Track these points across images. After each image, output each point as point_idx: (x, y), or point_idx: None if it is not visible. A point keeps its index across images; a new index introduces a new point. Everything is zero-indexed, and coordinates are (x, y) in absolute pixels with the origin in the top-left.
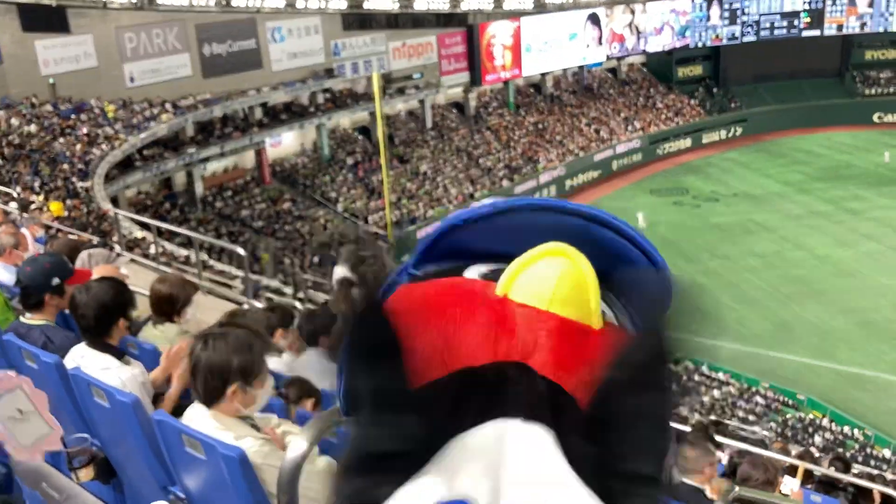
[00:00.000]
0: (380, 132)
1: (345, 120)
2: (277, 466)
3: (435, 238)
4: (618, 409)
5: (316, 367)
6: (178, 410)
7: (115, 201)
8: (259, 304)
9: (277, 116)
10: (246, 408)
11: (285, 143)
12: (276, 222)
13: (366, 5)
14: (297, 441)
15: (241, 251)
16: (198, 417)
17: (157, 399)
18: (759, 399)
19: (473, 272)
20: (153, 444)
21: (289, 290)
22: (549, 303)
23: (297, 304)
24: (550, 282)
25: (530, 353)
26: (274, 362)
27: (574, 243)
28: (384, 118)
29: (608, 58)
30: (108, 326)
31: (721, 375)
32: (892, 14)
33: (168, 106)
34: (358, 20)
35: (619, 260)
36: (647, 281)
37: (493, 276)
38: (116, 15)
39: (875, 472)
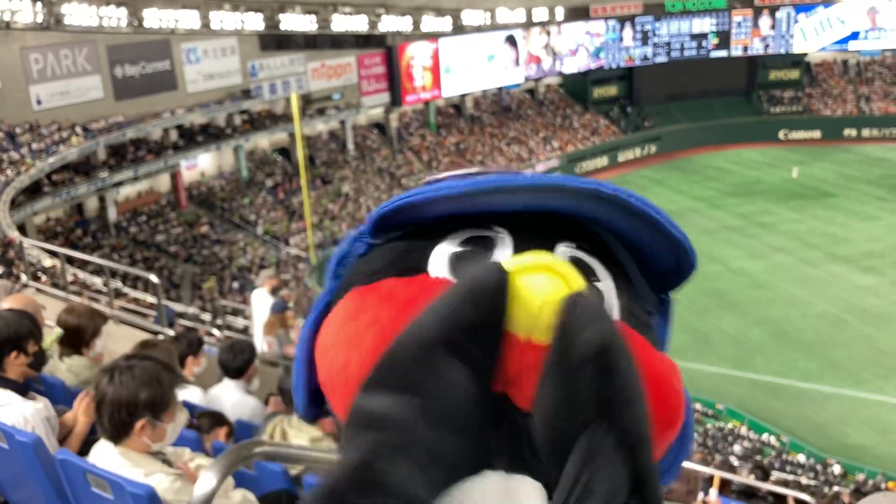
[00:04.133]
0: (300, 153)
1: (263, 141)
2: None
3: (393, 209)
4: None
5: (232, 399)
6: (87, 447)
7: (22, 229)
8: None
9: (193, 138)
10: (155, 443)
11: (202, 165)
12: (193, 247)
13: (283, 26)
14: (206, 475)
15: (154, 278)
16: (104, 455)
17: (68, 437)
18: None
19: (441, 257)
20: (56, 485)
21: (207, 316)
22: (530, 331)
23: (215, 331)
24: (532, 309)
25: (511, 384)
26: (189, 393)
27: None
28: (304, 139)
29: (526, 79)
30: None
31: None
32: (792, 36)
33: (78, 129)
34: (275, 41)
35: (622, 231)
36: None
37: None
38: (21, 35)
39: (790, 477)
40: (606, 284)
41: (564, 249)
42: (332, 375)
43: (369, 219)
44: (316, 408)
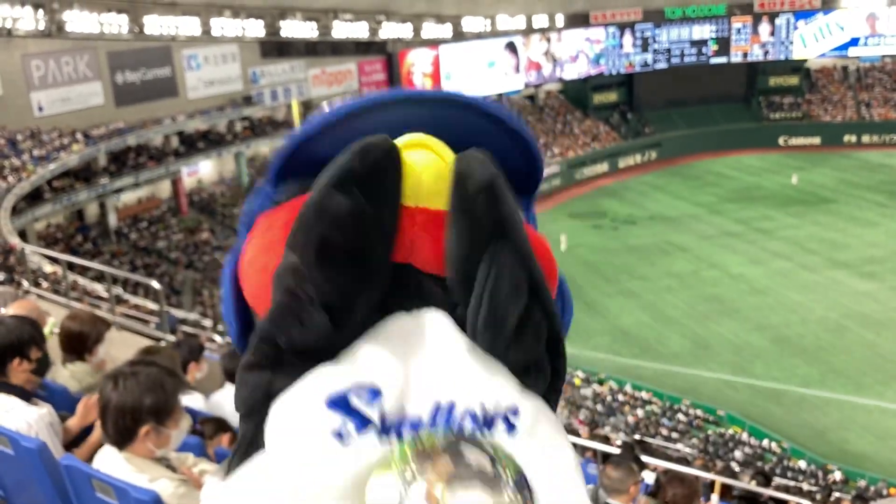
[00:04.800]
0: None
1: (265, 147)
2: None
3: (287, 154)
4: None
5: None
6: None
7: (23, 235)
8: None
9: (194, 145)
10: (160, 448)
11: (203, 172)
12: (194, 253)
13: (284, 33)
14: (213, 481)
15: (156, 284)
16: (109, 460)
17: (74, 443)
18: (681, 416)
19: None
20: (61, 490)
21: (208, 322)
22: (416, 199)
23: (217, 337)
24: (414, 177)
25: (410, 253)
26: (191, 399)
27: (434, 132)
28: None
29: (526, 85)
30: (2, 366)
31: (644, 394)
32: (791, 43)
33: (79, 135)
34: (276, 47)
35: (481, 135)
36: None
37: None
38: (22, 42)
39: (792, 483)
40: None
41: None
42: (255, 280)
43: (271, 169)
44: (246, 340)
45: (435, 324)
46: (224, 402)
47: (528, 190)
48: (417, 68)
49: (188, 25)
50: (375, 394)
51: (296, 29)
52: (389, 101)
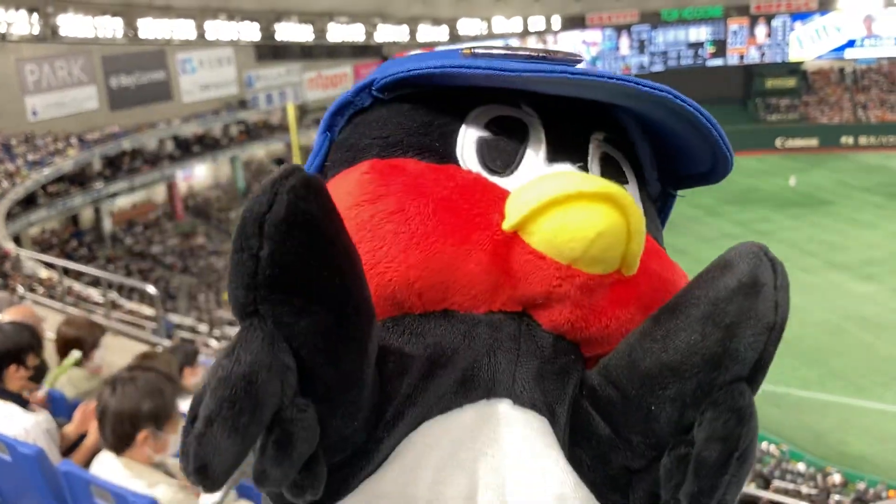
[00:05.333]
0: (296, 163)
1: (260, 151)
2: None
3: (422, 77)
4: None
5: None
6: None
7: (17, 240)
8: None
9: (189, 149)
10: (158, 454)
11: (198, 176)
12: (190, 258)
13: (279, 36)
14: None
15: (152, 289)
16: (107, 466)
17: (72, 450)
18: None
19: (469, 143)
20: (59, 496)
21: (204, 327)
22: (573, 261)
23: (213, 342)
24: (583, 241)
25: (535, 305)
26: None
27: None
28: (301, 149)
29: None
30: None
31: None
32: (788, 45)
33: (74, 140)
34: (271, 51)
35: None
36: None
37: (501, 162)
38: (16, 46)
39: (791, 486)
40: (632, 188)
41: (597, 144)
42: None
43: (388, 73)
44: None
45: (530, 440)
46: None
47: (685, 183)
48: None
49: (183, 29)
50: None
51: (291, 32)
52: (565, 81)
